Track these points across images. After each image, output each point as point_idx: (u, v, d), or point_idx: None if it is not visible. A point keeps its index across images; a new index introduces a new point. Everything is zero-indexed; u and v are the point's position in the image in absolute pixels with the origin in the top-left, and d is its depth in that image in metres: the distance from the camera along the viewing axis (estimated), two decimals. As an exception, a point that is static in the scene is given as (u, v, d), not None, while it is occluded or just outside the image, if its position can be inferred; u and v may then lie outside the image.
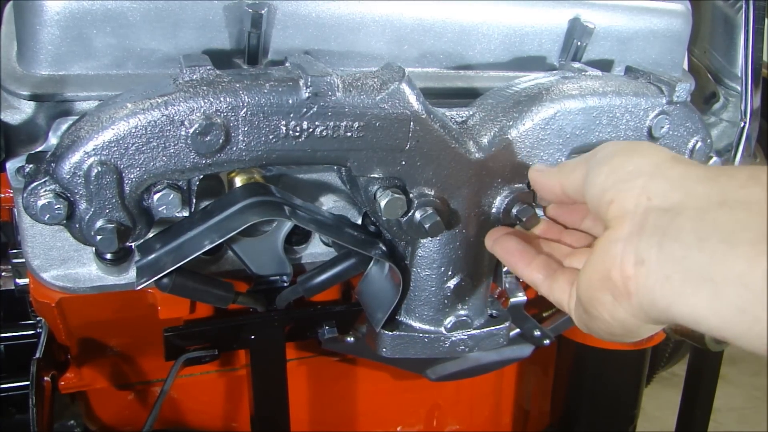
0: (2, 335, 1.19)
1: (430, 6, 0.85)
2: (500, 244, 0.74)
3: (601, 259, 0.57)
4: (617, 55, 0.98)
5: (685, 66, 1.10)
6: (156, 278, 0.73)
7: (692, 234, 0.50)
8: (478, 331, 0.86)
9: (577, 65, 0.89)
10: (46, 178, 0.63)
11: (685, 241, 0.50)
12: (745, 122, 1.12)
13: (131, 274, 0.81)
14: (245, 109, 0.64)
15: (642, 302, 0.54)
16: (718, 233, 0.48)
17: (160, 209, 0.68)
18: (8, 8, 0.81)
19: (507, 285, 1.04)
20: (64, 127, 0.73)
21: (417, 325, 0.84)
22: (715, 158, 0.94)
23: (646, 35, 0.99)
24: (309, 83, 0.65)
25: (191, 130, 0.63)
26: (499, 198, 0.78)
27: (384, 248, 0.82)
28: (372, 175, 0.72)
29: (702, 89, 1.29)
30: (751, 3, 1.10)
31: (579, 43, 0.92)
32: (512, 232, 0.75)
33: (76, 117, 0.71)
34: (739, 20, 1.21)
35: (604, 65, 0.98)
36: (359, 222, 0.91)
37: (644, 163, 0.58)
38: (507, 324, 0.89)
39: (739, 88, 1.18)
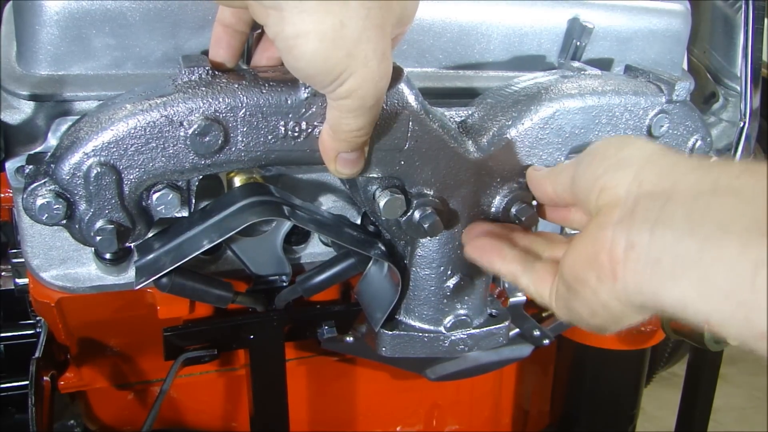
0: (2, 335, 1.19)
1: (430, 6, 0.85)
2: (472, 245, 0.74)
3: (590, 241, 0.57)
4: (616, 54, 0.98)
5: (685, 66, 1.10)
6: (155, 278, 0.73)
7: (684, 219, 0.50)
8: (478, 330, 0.86)
9: (576, 64, 0.89)
10: (46, 179, 0.63)
11: (676, 226, 0.50)
12: (744, 122, 1.12)
13: (130, 274, 0.81)
14: (244, 110, 0.64)
15: (627, 286, 0.54)
16: (710, 219, 0.49)
17: (159, 209, 0.68)
18: (8, 8, 0.81)
19: (506, 285, 1.04)
20: (64, 127, 0.73)
21: (416, 324, 0.84)
22: (714, 158, 0.94)
23: (646, 35, 0.99)
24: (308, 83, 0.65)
25: (190, 131, 0.63)
26: (498, 197, 0.78)
27: (383, 248, 0.82)
28: (370, 175, 0.72)
29: (702, 89, 1.29)
30: (750, 3, 1.10)
31: (578, 43, 0.92)
32: (484, 231, 0.75)
33: (76, 117, 0.71)
34: (738, 20, 1.21)
35: (604, 65, 0.98)
36: (358, 222, 0.91)
37: (636, 153, 0.58)
38: (507, 323, 0.89)
39: (738, 88, 1.17)
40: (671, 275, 0.50)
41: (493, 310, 0.89)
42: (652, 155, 0.57)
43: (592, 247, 0.57)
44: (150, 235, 0.75)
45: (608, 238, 0.55)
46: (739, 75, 1.16)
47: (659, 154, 0.57)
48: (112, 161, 0.63)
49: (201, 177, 0.70)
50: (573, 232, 0.81)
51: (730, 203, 0.48)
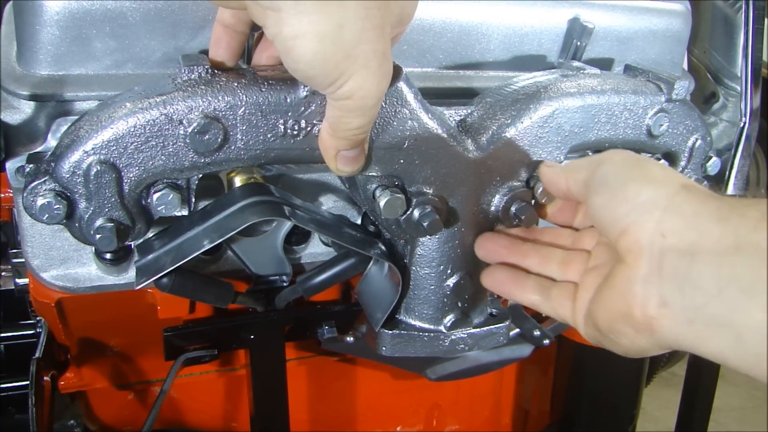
0: (2, 335, 1.19)
1: (430, 6, 0.85)
2: (489, 277, 0.77)
3: (620, 297, 0.59)
4: (617, 55, 0.98)
5: (685, 66, 1.10)
6: (155, 278, 0.73)
7: (712, 281, 0.53)
8: (478, 329, 0.86)
9: (575, 63, 0.89)
10: (46, 178, 0.63)
11: (705, 288, 0.53)
12: (744, 122, 1.12)
13: (131, 274, 0.81)
14: (243, 108, 0.64)
15: (666, 338, 0.57)
16: (736, 282, 0.51)
17: (159, 209, 0.68)
18: (8, 8, 0.81)
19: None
20: (64, 127, 0.73)
21: (417, 323, 0.84)
22: (714, 158, 0.94)
23: (646, 35, 0.99)
24: None
25: (189, 129, 0.63)
26: (497, 196, 0.78)
27: (383, 248, 0.82)
28: (370, 174, 0.72)
29: (702, 89, 1.29)
30: (750, 3, 1.10)
31: (578, 43, 0.92)
32: (498, 258, 0.77)
33: (76, 117, 0.71)
34: (738, 20, 1.21)
35: (604, 65, 0.98)
36: (359, 222, 0.91)
37: (658, 195, 0.59)
38: (507, 323, 0.89)
39: (738, 88, 1.17)
40: (706, 334, 0.53)
41: (494, 310, 0.89)
42: (674, 199, 0.58)
43: (624, 303, 0.59)
44: (150, 234, 0.75)
45: (639, 294, 0.57)
46: (739, 75, 1.16)
47: (681, 199, 0.58)
48: (111, 159, 0.63)
49: (201, 176, 0.70)
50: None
51: (753, 264, 0.51)
